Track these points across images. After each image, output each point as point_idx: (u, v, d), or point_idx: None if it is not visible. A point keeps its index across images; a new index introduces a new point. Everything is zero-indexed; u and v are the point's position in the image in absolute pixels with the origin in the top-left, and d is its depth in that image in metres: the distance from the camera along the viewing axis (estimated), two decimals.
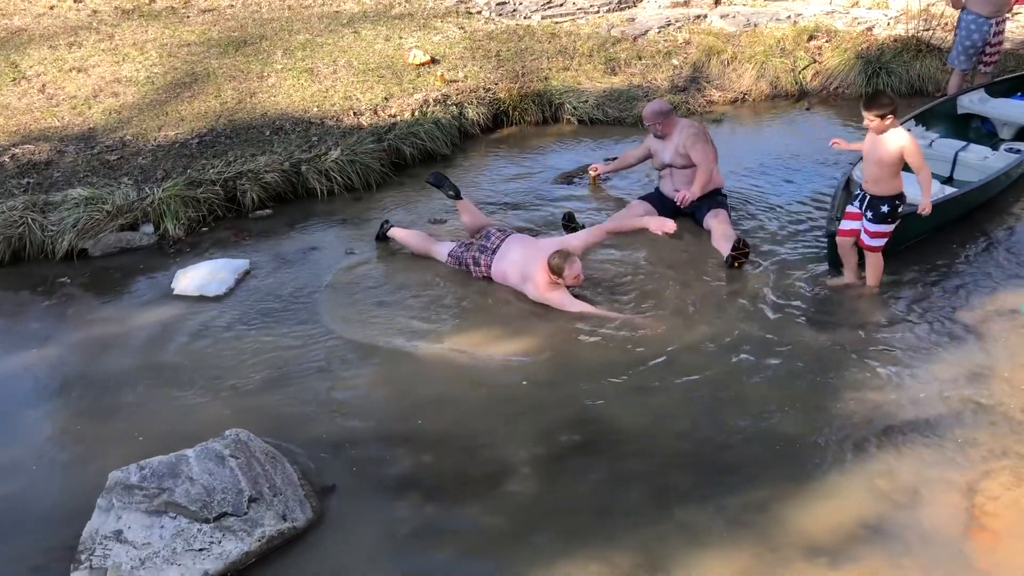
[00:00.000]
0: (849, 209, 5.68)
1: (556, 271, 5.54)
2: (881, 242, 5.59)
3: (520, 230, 6.31)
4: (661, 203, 6.64)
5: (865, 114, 5.32)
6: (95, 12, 10.68)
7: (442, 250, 6.19)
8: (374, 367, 5.17)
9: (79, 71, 8.98)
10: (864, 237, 5.60)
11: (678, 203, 6.44)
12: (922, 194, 5.45)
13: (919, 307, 5.55)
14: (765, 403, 4.73)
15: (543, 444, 4.50)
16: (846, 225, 5.66)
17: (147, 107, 8.33)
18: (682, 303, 5.68)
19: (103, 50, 9.48)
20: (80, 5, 10.93)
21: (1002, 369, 4.94)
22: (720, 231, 6.25)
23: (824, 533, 3.91)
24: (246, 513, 3.90)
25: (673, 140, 6.59)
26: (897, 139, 5.32)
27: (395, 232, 6.44)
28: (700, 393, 4.85)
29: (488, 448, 4.50)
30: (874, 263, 5.69)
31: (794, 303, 5.66)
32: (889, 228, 5.55)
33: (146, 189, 6.87)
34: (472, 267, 6.00)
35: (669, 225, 5.66)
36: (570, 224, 6.51)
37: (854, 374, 4.95)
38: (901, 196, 5.50)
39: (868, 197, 5.53)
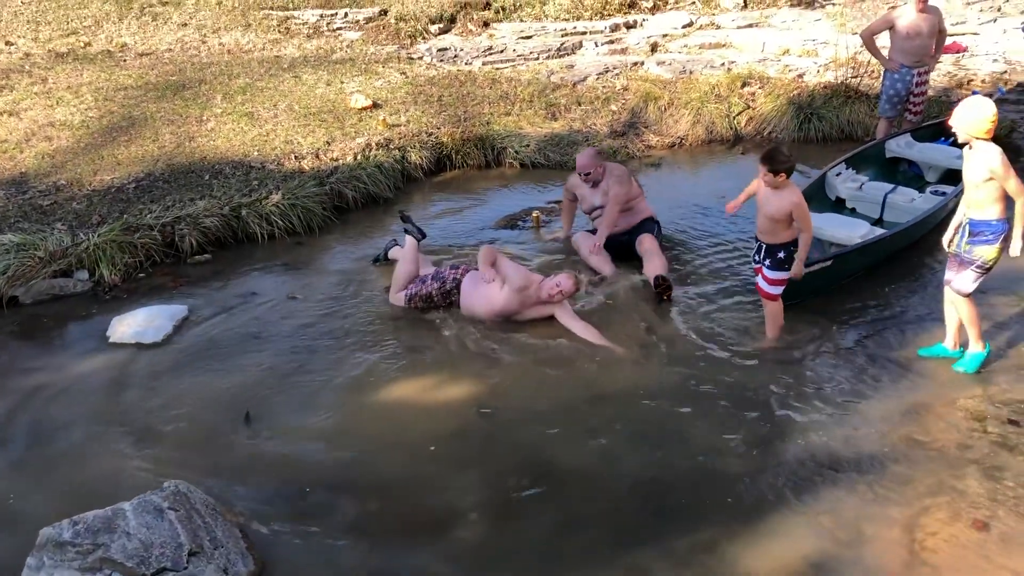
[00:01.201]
0: (755, 265, 5.77)
1: (576, 288, 5.88)
2: (779, 289, 5.66)
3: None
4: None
5: (760, 168, 5.40)
6: (27, 55, 10.51)
7: (421, 272, 6.28)
8: (319, 414, 5.09)
9: (11, 115, 8.80)
10: (763, 284, 5.68)
11: (589, 251, 6.68)
12: (797, 257, 5.51)
13: (854, 346, 5.68)
14: (710, 443, 4.78)
15: (492, 489, 4.48)
16: (759, 281, 5.74)
17: (82, 151, 8.18)
18: (627, 344, 5.73)
19: (36, 93, 9.31)
20: (12, 48, 10.74)
21: (935, 405, 5.08)
22: (649, 261, 6.48)
23: (770, 572, 3.95)
24: (186, 567, 3.78)
25: (602, 185, 6.83)
26: (788, 198, 5.38)
27: (396, 251, 6.60)
28: (646, 434, 4.88)
29: (436, 494, 4.45)
30: (772, 313, 5.75)
31: (732, 342, 5.74)
32: (780, 275, 5.61)
33: (81, 234, 6.72)
34: (443, 276, 6.11)
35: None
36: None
37: (795, 413, 5.03)
38: (796, 242, 5.55)
39: (764, 246, 5.62)
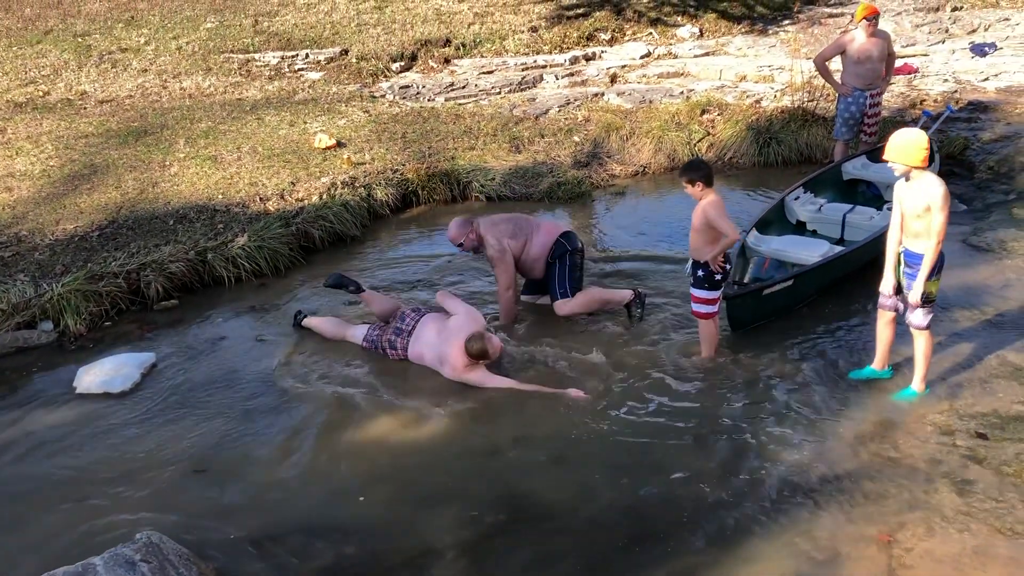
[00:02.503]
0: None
1: (480, 355, 5.57)
2: (702, 308, 5.70)
3: (433, 309, 6.32)
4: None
5: (680, 180, 5.54)
6: None
7: (357, 334, 6.15)
8: (291, 458, 5.05)
9: None
10: (692, 303, 5.77)
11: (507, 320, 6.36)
12: (712, 254, 5.49)
13: (822, 366, 5.74)
14: (682, 471, 4.79)
15: (467, 526, 4.45)
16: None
17: (43, 201, 8.11)
18: (591, 374, 5.74)
19: None
20: None
21: (905, 422, 5.14)
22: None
23: None
24: None
25: (487, 252, 6.26)
26: (704, 206, 5.45)
27: (310, 321, 6.38)
28: (619, 465, 4.88)
29: (411, 534, 4.42)
30: (703, 333, 5.80)
31: (705, 370, 5.78)
32: (707, 295, 5.64)
33: (44, 285, 6.64)
34: (388, 350, 5.97)
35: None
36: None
37: (765, 436, 5.06)
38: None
39: (691, 263, 5.68)
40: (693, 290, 5.70)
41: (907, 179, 5.03)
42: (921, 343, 5.26)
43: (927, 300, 5.11)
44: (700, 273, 5.62)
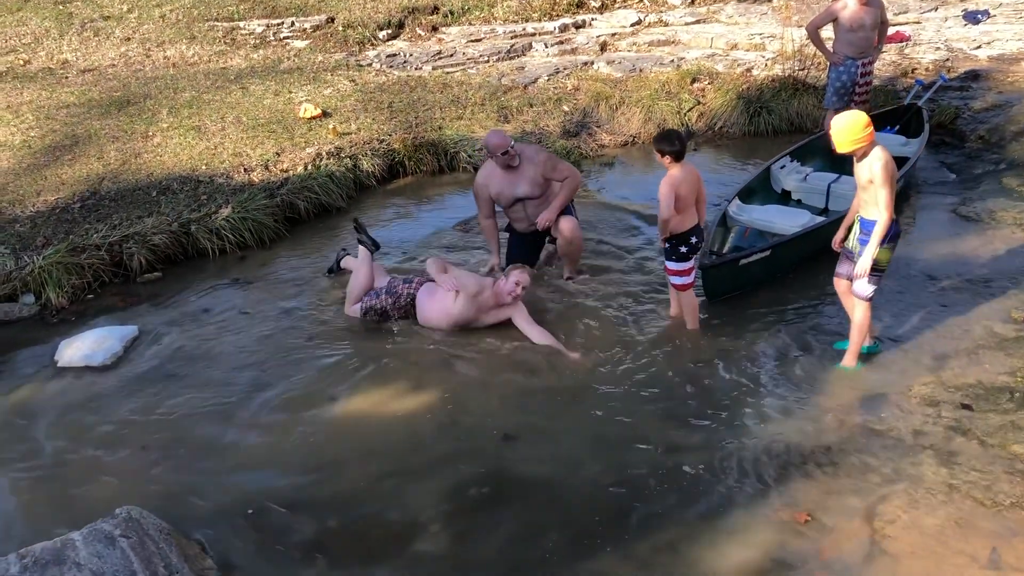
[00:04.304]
0: None
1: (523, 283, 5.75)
2: (674, 280, 5.74)
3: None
4: (522, 246, 6.57)
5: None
6: None
7: (376, 283, 6.15)
8: (272, 432, 5.01)
9: None
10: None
11: (540, 226, 6.31)
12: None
13: (807, 336, 5.72)
14: (668, 444, 4.77)
15: (452, 499, 4.43)
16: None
17: (24, 172, 7.99)
18: (582, 348, 5.71)
19: None
20: None
21: (891, 394, 5.12)
22: (564, 247, 6.37)
23: (732, 570, 3.95)
24: None
25: (525, 170, 6.25)
26: (662, 180, 5.47)
27: (349, 261, 6.45)
28: (605, 438, 4.86)
29: (395, 508, 4.40)
30: (684, 304, 5.82)
31: (687, 341, 5.75)
32: (675, 266, 5.65)
33: (25, 257, 6.57)
34: (401, 286, 6.00)
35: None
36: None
37: (750, 409, 5.05)
38: (680, 236, 5.57)
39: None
40: (665, 262, 5.72)
41: (856, 159, 5.06)
42: (858, 313, 5.25)
43: (876, 269, 5.11)
44: (666, 245, 5.64)
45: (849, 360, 5.34)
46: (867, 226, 5.11)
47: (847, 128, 4.95)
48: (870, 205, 5.05)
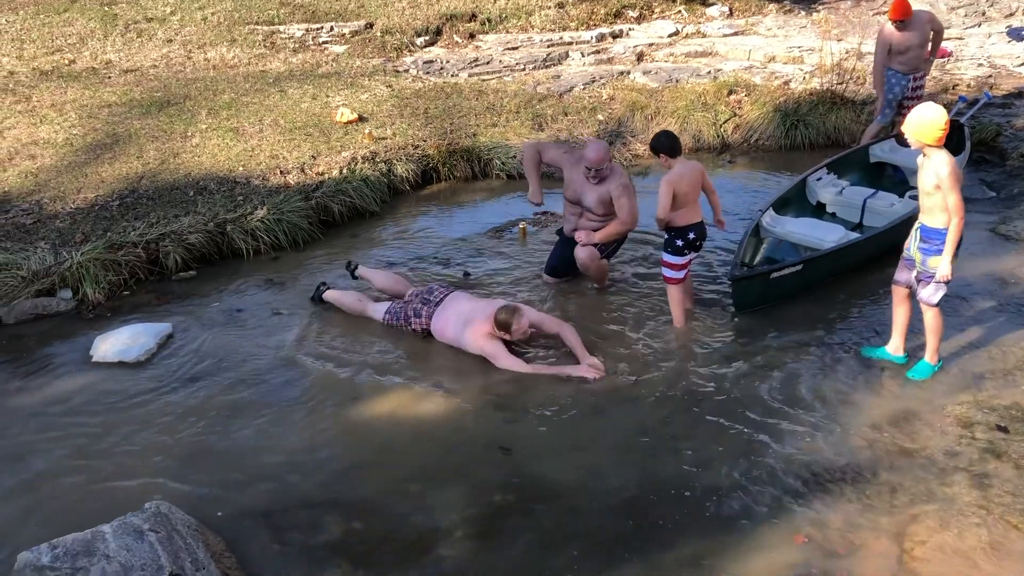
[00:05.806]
0: None
1: (503, 326, 5.55)
2: (664, 271, 5.85)
3: (454, 286, 6.28)
4: (564, 248, 6.54)
5: None
6: (12, 73, 10.45)
7: (378, 309, 6.13)
8: (302, 433, 5.05)
9: None
10: None
11: (576, 238, 6.28)
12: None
13: (838, 352, 5.65)
14: (694, 456, 4.74)
15: (476, 505, 4.44)
16: None
17: (66, 169, 8.13)
18: (608, 357, 5.69)
19: (20, 112, 9.26)
20: None
21: (924, 412, 5.05)
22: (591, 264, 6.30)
23: None
24: None
25: (604, 186, 6.23)
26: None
27: (331, 294, 6.36)
28: (631, 448, 4.84)
29: (420, 512, 4.41)
30: (670, 297, 5.91)
31: (716, 352, 5.72)
32: (670, 259, 5.78)
33: (64, 253, 6.67)
34: (412, 319, 5.94)
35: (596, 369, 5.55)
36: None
37: (779, 423, 5.00)
38: (679, 230, 5.69)
39: None
40: (662, 254, 5.88)
41: (923, 155, 5.02)
42: (930, 319, 5.23)
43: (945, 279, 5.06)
44: (665, 236, 5.78)
45: (931, 357, 5.32)
46: (928, 234, 5.05)
47: (932, 121, 4.88)
48: (934, 212, 4.99)
